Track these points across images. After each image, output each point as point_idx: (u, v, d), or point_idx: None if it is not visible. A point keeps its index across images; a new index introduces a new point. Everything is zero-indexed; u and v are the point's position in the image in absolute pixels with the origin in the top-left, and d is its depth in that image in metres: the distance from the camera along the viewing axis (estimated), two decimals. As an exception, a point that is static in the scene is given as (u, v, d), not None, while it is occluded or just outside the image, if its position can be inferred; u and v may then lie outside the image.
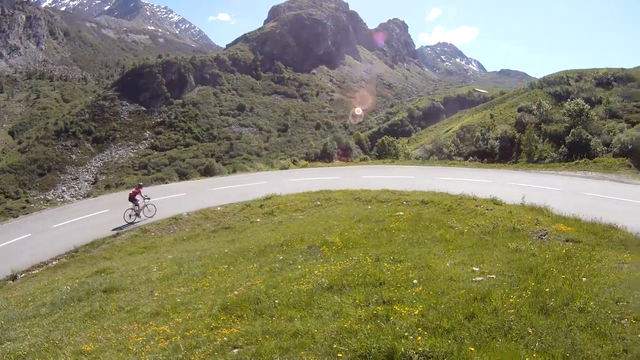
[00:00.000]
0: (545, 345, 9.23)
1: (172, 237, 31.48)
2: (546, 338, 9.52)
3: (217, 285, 16.78)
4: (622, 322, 10.23)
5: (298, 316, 11.88)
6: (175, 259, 23.30)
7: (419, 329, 10.03)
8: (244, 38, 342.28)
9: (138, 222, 35.88)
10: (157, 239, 31.62)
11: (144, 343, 12.22)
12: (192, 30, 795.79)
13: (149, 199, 37.20)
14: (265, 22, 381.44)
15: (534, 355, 8.82)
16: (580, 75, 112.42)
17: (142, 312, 15.05)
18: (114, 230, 34.18)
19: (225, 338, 11.26)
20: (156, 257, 24.98)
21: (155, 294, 17.26)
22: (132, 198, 36.59)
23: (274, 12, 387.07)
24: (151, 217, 36.33)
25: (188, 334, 12.14)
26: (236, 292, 15.08)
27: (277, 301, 13.27)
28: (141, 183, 43.25)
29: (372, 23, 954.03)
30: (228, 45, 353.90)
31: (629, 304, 11.09)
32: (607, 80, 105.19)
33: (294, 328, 10.97)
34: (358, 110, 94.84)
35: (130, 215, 36.26)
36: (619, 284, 12.59)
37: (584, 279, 13.07)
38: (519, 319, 10.34)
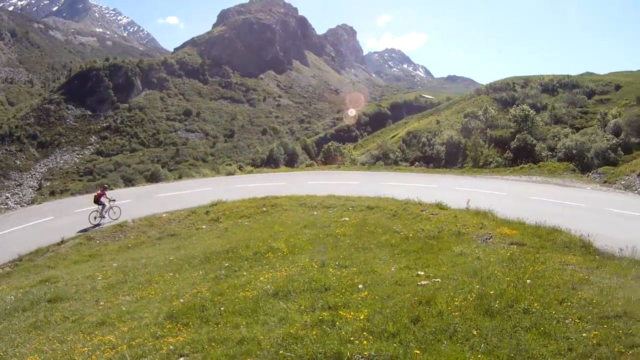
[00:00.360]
0: (490, 347, 9.34)
1: (117, 245, 30.96)
2: (491, 339, 9.64)
3: (163, 293, 16.60)
4: (566, 321, 10.43)
5: (244, 323, 11.86)
6: (121, 267, 22.96)
7: (365, 333, 10.10)
8: (192, 42, 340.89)
9: (103, 224, 35.55)
10: (102, 246, 31.05)
11: (90, 353, 11.97)
12: (141, 33, 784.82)
13: (114, 200, 36.98)
14: (214, 26, 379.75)
15: (479, 356, 8.91)
16: (526, 81, 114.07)
17: (87, 322, 14.76)
18: (79, 232, 33.69)
19: (171, 346, 11.17)
20: (101, 266, 24.53)
21: (101, 303, 16.98)
22: (97, 200, 36.18)
23: (223, 16, 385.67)
24: (116, 219, 35.95)
25: (134, 343, 11.95)
26: (182, 300, 14.99)
27: (222, 308, 13.24)
28: (106, 185, 43.36)
29: (321, 28, 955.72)
30: (176, 49, 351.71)
31: (572, 304, 11.34)
32: (553, 86, 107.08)
33: (240, 335, 10.96)
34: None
35: (95, 218, 35.85)
36: (563, 285, 12.83)
37: (528, 280, 13.22)
38: (464, 322, 10.46)
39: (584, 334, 9.77)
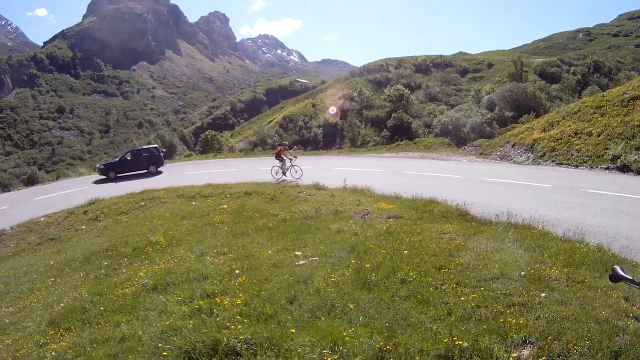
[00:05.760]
0: (368, 319, 9.31)
1: (-3, 256, 29.83)
2: (369, 311, 9.64)
3: (45, 300, 16.32)
4: (444, 287, 10.51)
5: (124, 320, 11.68)
6: (2, 278, 22.25)
7: (239, 317, 10.03)
8: (62, 35, 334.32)
9: (285, 180, 35.85)
10: (-18, 258, 29.85)
11: (-24, 370, 11.55)
12: (9, 27, 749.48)
13: (294, 158, 37.66)
14: (85, 17, 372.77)
15: (353, 329, 8.85)
16: (399, 62, 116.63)
17: (-29, 338, 14.17)
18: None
19: (54, 353, 10.87)
20: (-18, 279, 23.64)
21: (-17, 317, 16.36)
22: (277, 156, 37.68)
23: (94, 7, 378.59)
24: (298, 178, 35.57)
25: (18, 354, 11.58)
26: (62, 305, 14.72)
27: (102, 308, 13.04)
28: (285, 142, 46.49)
29: (193, 16, 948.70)
30: (46, 43, 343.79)
31: (450, 270, 11.46)
32: (427, 66, 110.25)
33: (121, 333, 10.77)
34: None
35: (277, 172, 37.13)
36: (440, 253, 12.94)
37: (405, 251, 13.31)
38: (341, 297, 10.47)
39: (462, 298, 9.85)
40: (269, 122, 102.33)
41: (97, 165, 55.53)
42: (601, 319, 8.56)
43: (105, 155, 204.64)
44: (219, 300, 11.24)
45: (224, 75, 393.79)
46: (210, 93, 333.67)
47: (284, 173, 36.83)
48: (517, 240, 14.25)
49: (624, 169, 30.11)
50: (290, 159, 37.09)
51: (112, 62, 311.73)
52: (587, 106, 38.93)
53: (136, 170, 49.82)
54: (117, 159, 52.70)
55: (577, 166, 33.26)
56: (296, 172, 36.33)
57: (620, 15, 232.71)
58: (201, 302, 11.45)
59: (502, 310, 9.19)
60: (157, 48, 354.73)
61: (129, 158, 51.02)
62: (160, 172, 50.03)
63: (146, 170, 50.00)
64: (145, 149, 53.32)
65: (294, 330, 9.07)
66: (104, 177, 49.01)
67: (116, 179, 47.53)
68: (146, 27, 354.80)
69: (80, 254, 22.73)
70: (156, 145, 56.52)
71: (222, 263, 14.88)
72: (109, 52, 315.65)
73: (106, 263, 19.27)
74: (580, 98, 59.16)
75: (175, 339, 9.53)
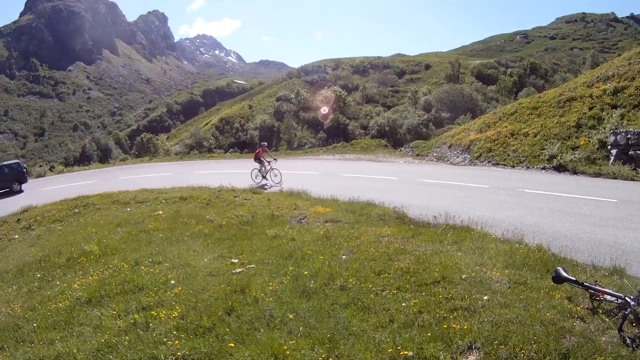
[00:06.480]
0: (308, 329, 9.19)
1: None
2: (309, 321, 9.51)
3: None
4: (384, 293, 10.44)
5: (59, 337, 11.16)
6: None
7: (176, 331, 9.87)
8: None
9: (266, 185, 33.45)
10: None
11: None
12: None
13: (274, 160, 35.32)
14: (22, 14, 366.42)
15: (294, 341, 8.70)
16: (337, 63, 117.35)
17: None
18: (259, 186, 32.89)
19: None
20: None
21: None
22: (257, 158, 34.90)
23: (31, 3, 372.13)
24: (278, 183, 32.95)
25: (-52, 380, 11.09)
26: None
27: (35, 324, 12.45)
28: (264, 143, 40.34)
29: (131, 15, 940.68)
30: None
31: (390, 275, 11.39)
32: (364, 67, 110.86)
33: (55, 352, 10.23)
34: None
35: (256, 176, 34.70)
36: (379, 257, 12.84)
37: (343, 257, 13.28)
38: (280, 306, 10.36)
39: (403, 304, 9.79)
40: (206, 124, 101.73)
41: None
42: (546, 321, 8.57)
43: (39, 159, 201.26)
44: (154, 313, 10.98)
45: (161, 76, 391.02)
46: (147, 94, 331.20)
47: (264, 177, 34.84)
48: (457, 242, 14.26)
49: (560, 168, 30.52)
50: (269, 162, 35.13)
51: (49, 62, 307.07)
52: (523, 107, 39.43)
53: None
54: None
55: (513, 166, 33.59)
56: (275, 175, 34.60)
57: (558, 18, 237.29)
58: (137, 315, 11.14)
59: (445, 315, 9.16)
60: (95, 48, 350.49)
61: None
62: (22, 191, 47.05)
63: (8, 189, 46.71)
64: (7, 165, 49.88)
65: (233, 345, 8.91)
66: None
67: None
68: (84, 26, 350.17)
69: (14, 265, 21.95)
70: (18, 161, 53.64)
71: (157, 273, 14.51)
72: (46, 51, 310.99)
73: (39, 275, 18.62)
74: (517, 99, 59.82)
75: (111, 356, 9.30)
